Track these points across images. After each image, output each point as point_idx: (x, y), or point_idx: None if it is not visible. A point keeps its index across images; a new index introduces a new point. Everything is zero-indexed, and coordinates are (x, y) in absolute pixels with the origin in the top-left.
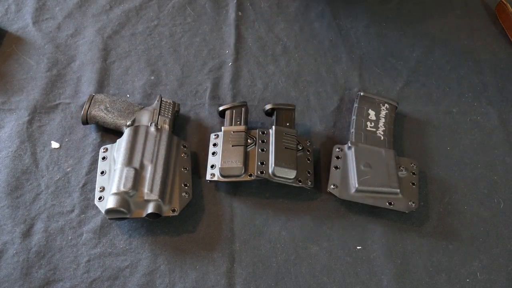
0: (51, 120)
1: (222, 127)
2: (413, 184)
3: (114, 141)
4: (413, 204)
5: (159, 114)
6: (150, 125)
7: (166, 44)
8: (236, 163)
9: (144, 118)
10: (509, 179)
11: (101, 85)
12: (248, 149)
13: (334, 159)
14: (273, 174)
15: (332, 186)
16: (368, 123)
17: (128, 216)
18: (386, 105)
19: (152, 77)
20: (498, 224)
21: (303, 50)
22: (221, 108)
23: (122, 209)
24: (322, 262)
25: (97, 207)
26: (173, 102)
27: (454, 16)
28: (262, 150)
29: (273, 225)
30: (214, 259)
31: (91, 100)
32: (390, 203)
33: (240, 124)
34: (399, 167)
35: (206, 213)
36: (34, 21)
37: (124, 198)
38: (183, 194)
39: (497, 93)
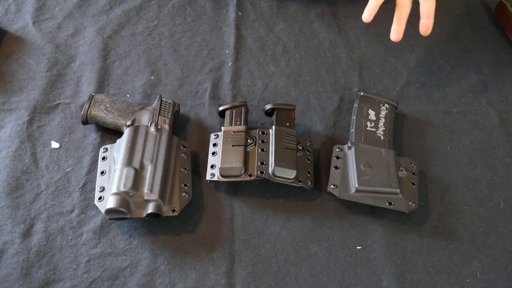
0: (51, 120)
1: (222, 127)
2: (413, 184)
3: (114, 141)
4: (413, 204)
5: (159, 114)
6: (150, 125)
7: (166, 44)
8: (236, 163)
9: (144, 118)
10: (509, 179)
11: (101, 85)
12: (248, 149)
13: (334, 159)
14: (273, 174)
15: (332, 186)
16: (368, 123)
17: (128, 216)
18: (386, 105)
19: (152, 77)
20: (498, 224)
21: (303, 50)
22: (221, 108)
23: (122, 209)
24: (322, 262)
25: (97, 207)
26: (173, 102)
27: (454, 16)
28: (262, 150)
29: (273, 225)
30: (214, 259)
31: (91, 100)
32: (390, 203)
33: (240, 124)
34: (399, 167)
35: (206, 213)
36: (34, 21)
37: (124, 198)
38: (183, 194)
39: (497, 93)
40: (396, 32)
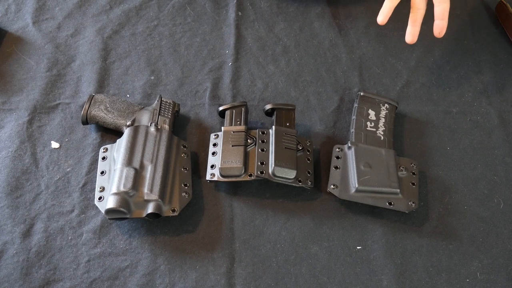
0: (51, 120)
1: (222, 127)
2: (413, 184)
3: (114, 141)
4: (413, 204)
5: (159, 114)
6: (150, 125)
7: (166, 44)
8: (236, 163)
9: (144, 118)
10: (509, 179)
11: (101, 85)
12: (248, 149)
13: (334, 159)
14: (273, 174)
15: (332, 186)
16: (368, 123)
17: (128, 216)
18: (386, 105)
19: (152, 77)
20: (498, 224)
21: (303, 50)
22: (221, 108)
23: (122, 209)
24: (322, 262)
25: (97, 207)
26: (173, 102)
27: (454, 16)
28: (262, 150)
29: (273, 225)
30: (214, 259)
31: (91, 100)
32: (390, 203)
33: (240, 124)
34: (399, 167)
35: (206, 213)
36: (34, 21)
37: (124, 198)
38: (183, 194)
39: (497, 93)
40: (411, 34)
